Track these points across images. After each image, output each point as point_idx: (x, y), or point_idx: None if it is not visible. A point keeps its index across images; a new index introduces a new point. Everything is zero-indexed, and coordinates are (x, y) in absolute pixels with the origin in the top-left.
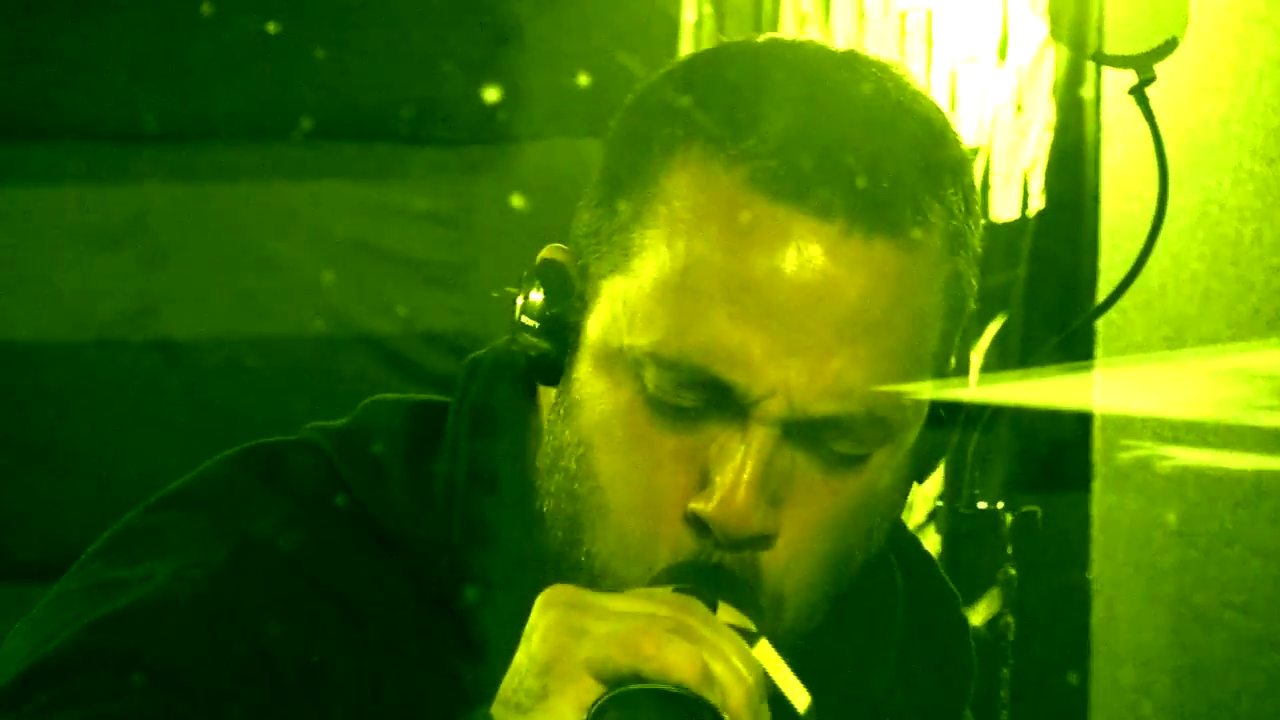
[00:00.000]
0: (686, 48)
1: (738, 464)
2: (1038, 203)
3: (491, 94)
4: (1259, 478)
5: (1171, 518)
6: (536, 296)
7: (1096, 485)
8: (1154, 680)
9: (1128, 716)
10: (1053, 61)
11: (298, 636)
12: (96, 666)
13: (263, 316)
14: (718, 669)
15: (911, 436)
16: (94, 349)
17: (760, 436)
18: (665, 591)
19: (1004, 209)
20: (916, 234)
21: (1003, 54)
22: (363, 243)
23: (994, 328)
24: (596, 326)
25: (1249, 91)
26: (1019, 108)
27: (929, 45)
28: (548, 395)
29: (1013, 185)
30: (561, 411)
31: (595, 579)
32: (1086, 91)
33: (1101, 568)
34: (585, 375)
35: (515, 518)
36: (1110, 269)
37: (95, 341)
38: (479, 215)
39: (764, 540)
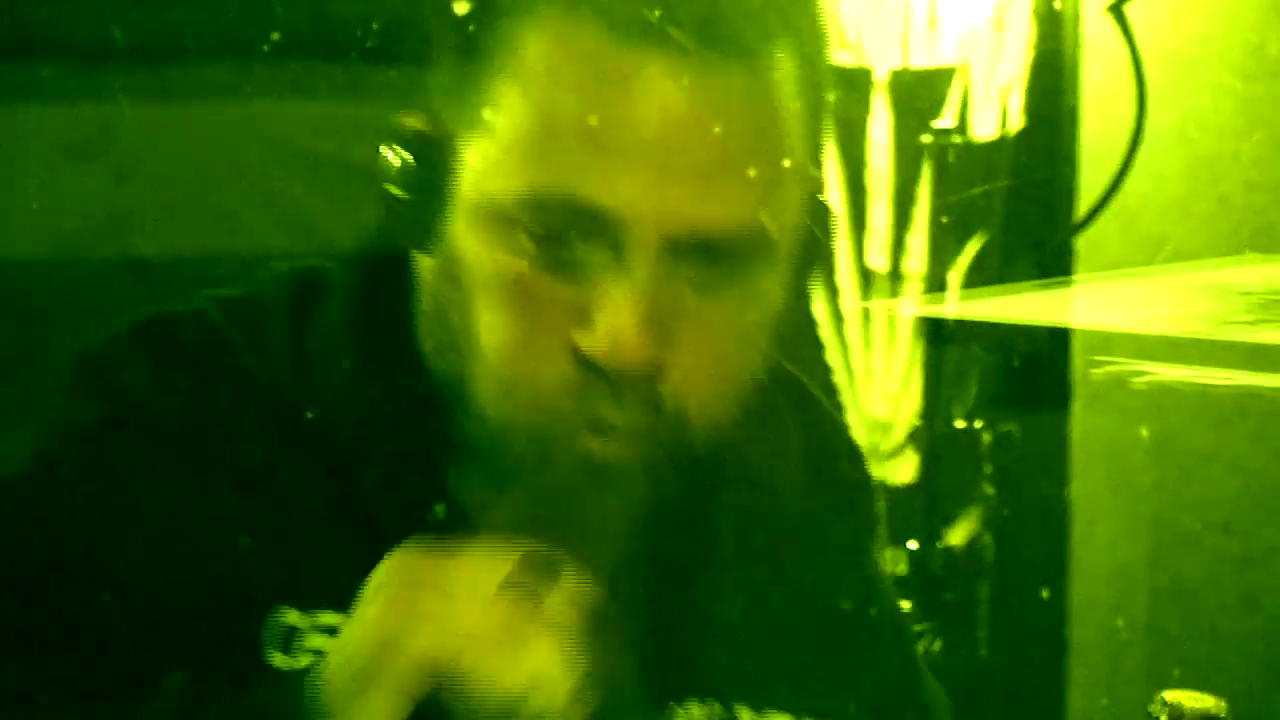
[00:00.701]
0: None
1: (620, 297)
2: (1017, 120)
3: (462, 8)
4: (1238, 396)
5: (1150, 436)
6: (400, 162)
7: (1075, 403)
8: (1131, 598)
9: (1105, 634)
10: None
11: (172, 500)
12: None
13: (232, 232)
14: (542, 673)
15: (788, 243)
16: (62, 264)
17: (639, 265)
18: (509, 563)
19: (983, 127)
20: (767, 55)
21: None
22: (334, 160)
23: (973, 245)
24: (464, 185)
25: (1228, 8)
26: (998, 25)
27: None
28: (424, 259)
29: (992, 103)
30: (440, 273)
31: (491, 431)
32: (1066, 8)
33: (1079, 486)
34: (460, 234)
35: (396, 371)
36: (1089, 186)
37: (63, 257)
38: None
39: (655, 370)
